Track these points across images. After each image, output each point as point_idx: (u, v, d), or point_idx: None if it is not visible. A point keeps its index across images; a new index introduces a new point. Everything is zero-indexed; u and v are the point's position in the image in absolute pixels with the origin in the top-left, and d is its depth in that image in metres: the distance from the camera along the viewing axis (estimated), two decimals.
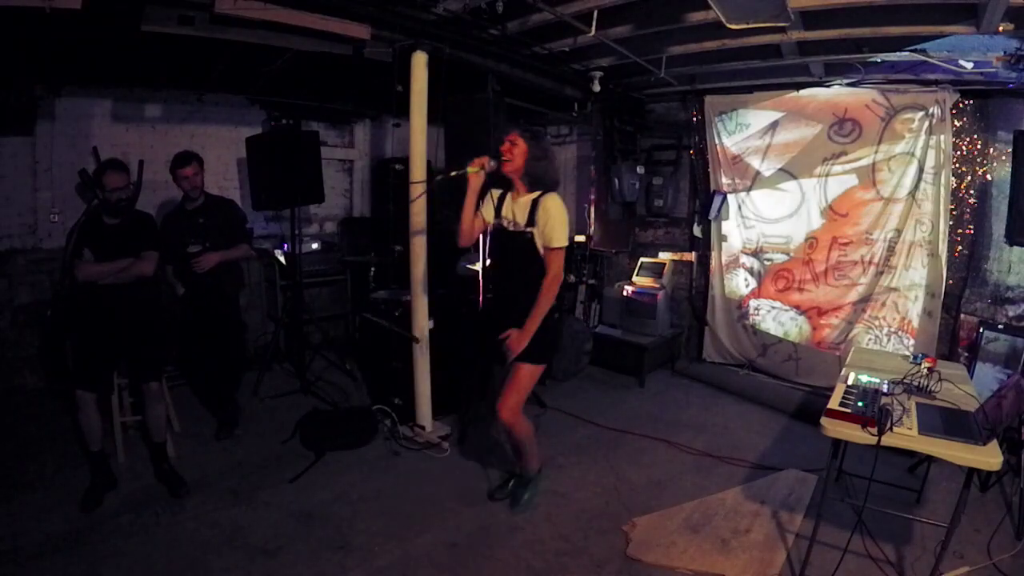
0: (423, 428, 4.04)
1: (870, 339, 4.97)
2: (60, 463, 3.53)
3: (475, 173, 2.92)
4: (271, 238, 5.56)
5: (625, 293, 5.78)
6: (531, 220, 2.93)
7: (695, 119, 5.78)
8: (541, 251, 2.95)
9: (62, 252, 3.24)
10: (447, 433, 4.07)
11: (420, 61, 3.68)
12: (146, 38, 3.16)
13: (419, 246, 3.91)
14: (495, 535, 3.05)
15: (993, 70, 3.84)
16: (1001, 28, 3.11)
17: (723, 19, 3.05)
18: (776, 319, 5.50)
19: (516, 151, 2.94)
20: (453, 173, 2.98)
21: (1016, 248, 4.00)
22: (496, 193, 3.11)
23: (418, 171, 3.85)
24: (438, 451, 3.90)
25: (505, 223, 3.05)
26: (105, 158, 3.60)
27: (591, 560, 2.87)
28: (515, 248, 3.02)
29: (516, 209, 3.02)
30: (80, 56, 3.95)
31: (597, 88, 5.06)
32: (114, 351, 3.31)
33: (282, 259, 5.39)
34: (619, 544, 3.00)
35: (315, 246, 5.79)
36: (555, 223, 2.90)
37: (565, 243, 2.92)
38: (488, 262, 3.21)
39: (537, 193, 2.96)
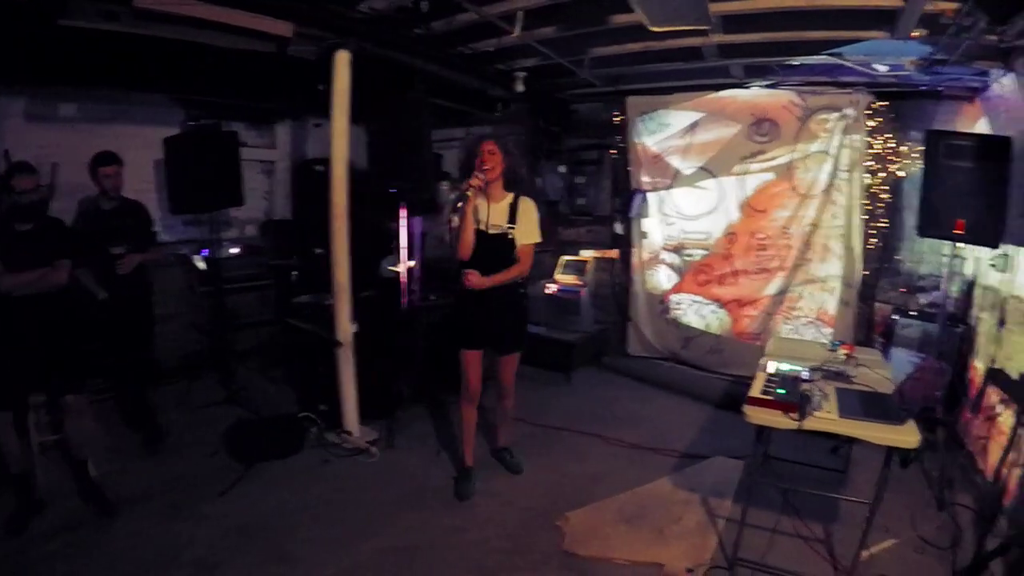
0: (350, 434, 3.98)
1: (789, 329, 5.17)
2: None
3: (472, 195, 3.17)
4: (190, 243, 5.34)
5: (549, 291, 5.84)
6: (512, 220, 3.24)
7: (617, 119, 5.89)
8: (517, 248, 3.27)
9: None
10: (375, 438, 4.03)
11: (343, 60, 3.62)
12: (63, 33, 3.01)
13: (341, 248, 3.86)
14: (439, 537, 3.05)
15: (907, 73, 4.05)
16: (915, 34, 3.29)
17: (646, 22, 3.11)
18: (698, 312, 5.66)
19: (496, 160, 3.16)
20: (459, 204, 3.19)
21: (927, 240, 4.23)
22: (476, 201, 3.27)
23: (339, 172, 3.79)
24: (367, 456, 3.86)
25: (484, 226, 3.25)
26: (15, 160, 3.41)
27: (534, 557, 2.90)
28: (499, 249, 3.25)
29: (495, 212, 3.24)
30: None
31: (521, 88, 5.10)
32: (29, 366, 3.12)
33: (202, 265, 5.20)
34: (556, 539, 3.04)
35: (235, 250, 5.61)
36: (533, 222, 3.29)
37: (539, 239, 3.30)
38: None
39: (512, 196, 3.27)
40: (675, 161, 5.57)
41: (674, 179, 5.62)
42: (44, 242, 3.13)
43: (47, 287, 3.11)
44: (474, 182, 3.10)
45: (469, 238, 3.22)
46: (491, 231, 3.24)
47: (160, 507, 3.24)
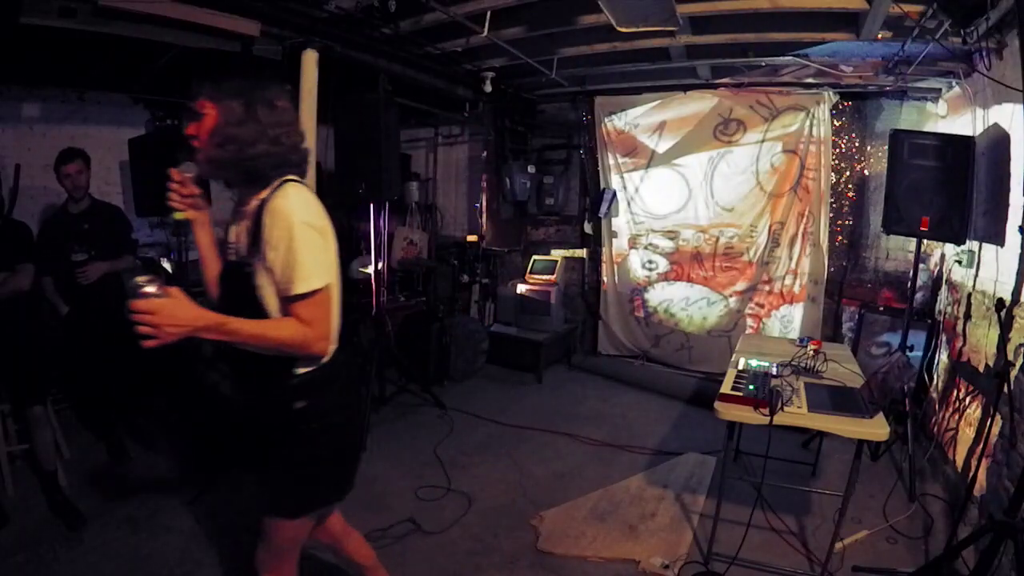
0: None
1: (758, 325, 5.26)
2: None
3: (183, 214, 1.86)
4: (156, 246, 5.22)
5: (519, 291, 5.84)
6: (255, 242, 1.65)
7: (585, 119, 5.92)
8: (273, 297, 1.66)
9: None
10: None
11: (310, 59, 3.57)
12: (23, 31, 2.92)
13: None
14: (405, 541, 3.00)
15: (871, 74, 4.14)
16: (879, 36, 3.35)
17: (614, 22, 3.14)
18: (667, 310, 5.71)
19: (204, 126, 1.69)
20: (177, 216, 1.87)
21: (892, 236, 4.32)
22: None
23: (308, 172, 3.72)
24: None
25: (230, 250, 1.82)
26: None
27: (503, 557, 2.87)
28: (234, 291, 1.77)
29: (239, 226, 1.77)
30: None
31: (489, 88, 5.08)
32: None
33: (169, 268, 5.09)
34: (529, 539, 3.02)
35: None
36: (294, 245, 1.58)
37: (321, 284, 1.63)
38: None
39: (267, 192, 1.69)
40: (643, 160, 5.62)
41: (642, 178, 5.66)
42: (5, 245, 3.02)
43: (8, 293, 3.01)
44: (173, 200, 1.81)
45: (209, 270, 1.92)
46: (232, 257, 1.81)
47: (126, 518, 3.13)
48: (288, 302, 1.64)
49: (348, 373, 1.92)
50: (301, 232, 1.60)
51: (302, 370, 1.73)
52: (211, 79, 1.71)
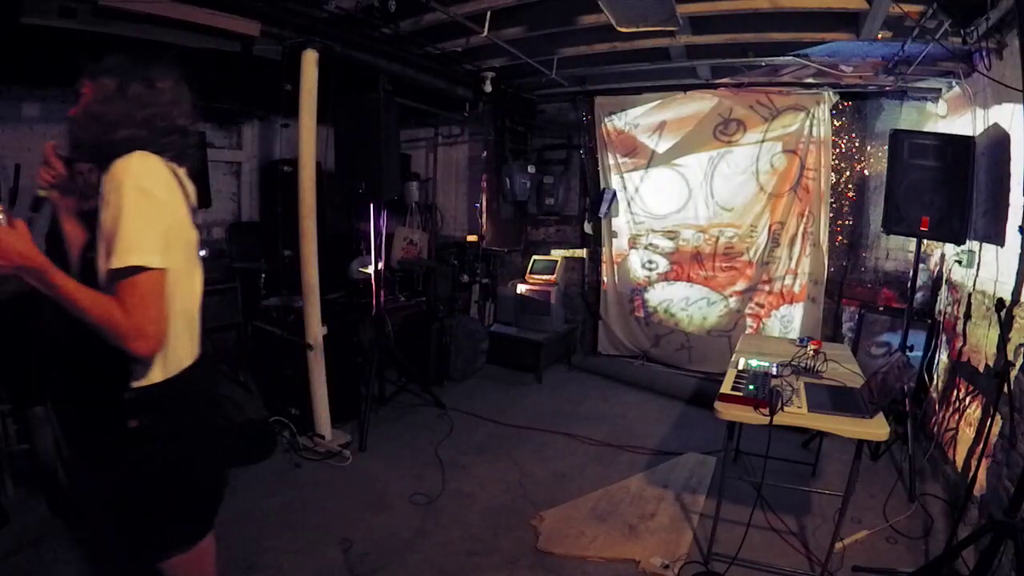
0: (323, 437, 3.92)
1: (758, 325, 5.26)
2: None
3: (45, 192, 1.65)
4: None
5: (519, 291, 5.84)
6: (91, 224, 1.50)
7: (585, 119, 5.92)
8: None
9: None
10: (347, 441, 3.97)
11: (310, 59, 3.57)
12: (23, 31, 2.92)
13: (309, 250, 3.79)
14: (405, 541, 3.00)
15: (871, 74, 4.14)
16: (879, 36, 3.35)
17: (614, 22, 3.13)
18: (667, 310, 5.71)
19: (79, 105, 1.58)
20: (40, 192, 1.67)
21: (892, 236, 4.32)
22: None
23: (308, 172, 3.73)
24: (339, 460, 3.79)
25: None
26: None
27: (503, 557, 2.88)
28: (88, 282, 1.44)
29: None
30: None
31: (489, 88, 5.08)
32: None
33: None
34: (529, 539, 3.02)
35: (202, 253, 5.44)
36: (121, 209, 1.36)
37: (141, 260, 1.37)
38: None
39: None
40: (643, 160, 5.62)
41: (642, 178, 5.66)
42: None
43: (10, 293, 3.01)
44: (40, 174, 1.63)
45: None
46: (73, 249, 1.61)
47: None
48: (108, 279, 1.38)
49: (208, 391, 1.70)
50: (132, 196, 1.37)
51: (139, 383, 1.48)
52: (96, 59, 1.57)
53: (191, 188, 1.67)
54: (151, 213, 1.40)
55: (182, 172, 1.63)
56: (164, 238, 1.42)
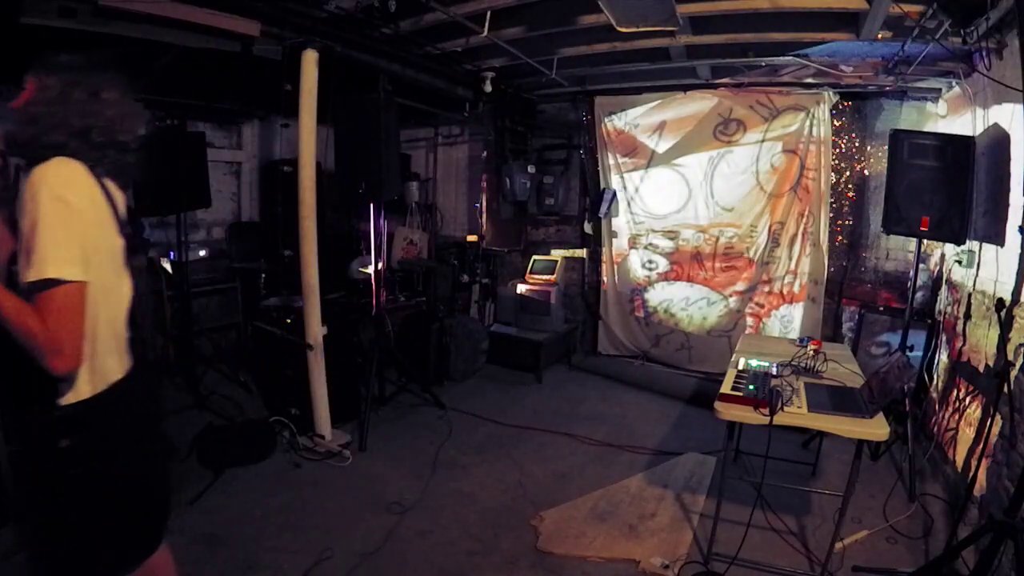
0: (323, 437, 3.92)
1: (758, 325, 5.26)
2: None
3: None
4: (157, 246, 5.23)
5: (519, 291, 5.84)
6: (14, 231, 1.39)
7: (585, 119, 5.92)
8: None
9: None
10: (347, 441, 3.97)
11: (310, 59, 3.56)
12: (23, 31, 2.93)
13: (309, 250, 3.78)
14: (405, 541, 3.00)
15: (871, 74, 4.14)
16: (879, 36, 3.35)
17: (614, 22, 3.14)
18: (667, 310, 5.71)
19: (20, 101, 1.50)
20: None
21: (892, 236, 4.32)
22: None
23: (308, 172, 3.73)
24: (339, 460, 3.79)
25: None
26: None
27: (503, 557, 2.87)
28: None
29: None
30: None
31: (489, 88, 5.09)
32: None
33: (169, 268, 5.10)
34: (529, 539, 3.02)
35: (203, 253, 5.51)
36: (37, 219, 1.31)
37: (56, 273, 1.32)
38: None
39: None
40: (642, 160, 5.63)
41: (642, 178, 5.66)
42: None
43: None
44: None
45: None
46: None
47: None
48: (27, 292, 1.30)
49: (142, 408, 1.60)
50: (48, 206, 1.31)
51: (66, 400, 1.42)
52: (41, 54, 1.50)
53: (120, 197, 1.62)
54: (69, 223, 1.34)
55: (111, 183, 1.55)
56: (83, 249, 1.36)
